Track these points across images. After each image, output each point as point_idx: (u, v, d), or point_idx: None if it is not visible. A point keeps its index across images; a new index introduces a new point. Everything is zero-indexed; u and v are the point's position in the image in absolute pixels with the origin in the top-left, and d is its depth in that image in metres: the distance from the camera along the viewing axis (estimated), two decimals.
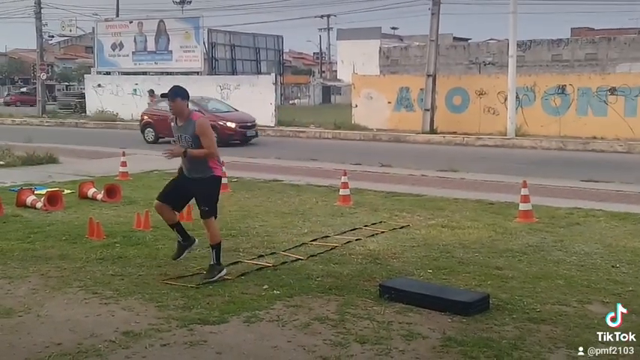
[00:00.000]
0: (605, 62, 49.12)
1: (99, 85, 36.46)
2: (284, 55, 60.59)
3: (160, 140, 21.53)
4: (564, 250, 7.52)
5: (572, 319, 5.27)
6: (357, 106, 27.76)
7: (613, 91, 22.14)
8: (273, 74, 34.49)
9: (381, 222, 9.06)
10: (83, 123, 32.72)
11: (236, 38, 48.24)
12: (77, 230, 8.31)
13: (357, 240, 7.94)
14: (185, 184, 6.55)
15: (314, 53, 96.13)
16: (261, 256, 7.18)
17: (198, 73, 36.64)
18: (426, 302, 5.48)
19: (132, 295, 5.80)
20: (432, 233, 8.37)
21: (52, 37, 63.83)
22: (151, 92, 26.80)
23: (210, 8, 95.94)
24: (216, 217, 6.55)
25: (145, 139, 22.46)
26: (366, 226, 8.79)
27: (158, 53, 37.60)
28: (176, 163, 6.83)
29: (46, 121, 34.19)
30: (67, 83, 70.55)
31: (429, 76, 25.01)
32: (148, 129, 22.84)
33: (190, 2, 66.54)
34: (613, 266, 6.81)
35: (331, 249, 7.49)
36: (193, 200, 6.72)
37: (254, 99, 28.11)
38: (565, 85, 23.15)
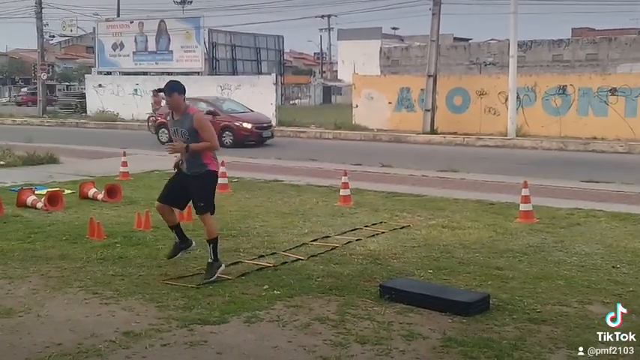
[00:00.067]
0: (606, 62, 49.06)
1: (99, 85, 36.48)
2: (285, 55, 60.60)
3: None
4: (565, 250, 7.52)
5: (572, 319, 5.27)
6: (357, 106, 27.76)
7: (614, 91, 22.14)
8: (273, 74, 34.50)
9: (381, 222, 9.06)
10: (84, 123, 32.72)
11: (237, 38, 48.24)
12: (78, 230, 8.31)
13: (357, 240, 7.94)
14: (183, 180, 6.56)
15: (314, 53, 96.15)
16: (262, 256, 7.18)
17: (198, 73, 36.63)
18: (426, 302, 5.49)
19: (132, 296, 5.80)
20: (433, 233, 8.37)
21: (53, 37, 63.82)
22: (156, 92, 26.73)
23: (211, 8, 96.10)
24: (213, 213, 6.58)
25: (159, 139, 22.43)
26: (366, 226, 8.79)
27: (159, 53, 37.60)
28: None
29: (47, 121, 34.19)
30: (67, 83, 70.56)
31: (429, 76, 25.02)
32: (163, 129, 22.80)
33: (191, 2, 66.48)
34: (613, 267, 6.82)
35: (332, 249, 7.49)
36: None
37: (255, 99, 28.07)
38: (566, 86, 23.15)
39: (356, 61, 48.17)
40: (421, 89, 25.37)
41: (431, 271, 6.67)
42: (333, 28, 78.47)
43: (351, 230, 8.53)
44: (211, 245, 6.42)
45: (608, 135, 21.69)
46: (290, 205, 10.39)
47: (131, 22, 39.10)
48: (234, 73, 44.02)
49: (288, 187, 12.33)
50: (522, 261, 7.04)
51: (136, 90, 34.31)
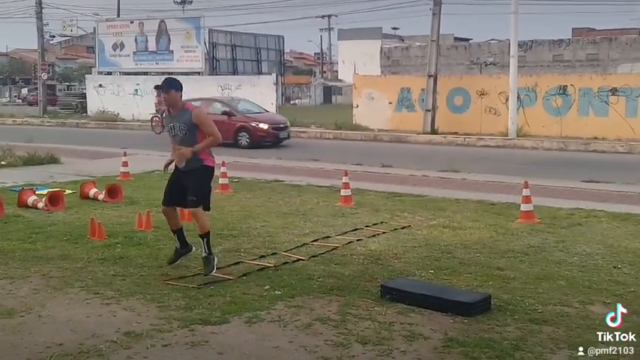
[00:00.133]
0: (607, 63, 49.05)
1: (100, 86, 36.49)
2: (285, 55, 60.52)
3: None
4: (566, 250, 7.52)
5: (573, 319, 5.27)
6: (358, 106, 27.76)
7: (614, 91, 22.13)
8: (274, 74, 34.51)
9: (382, 222, 9.06)
10: (84, 123, 32.73)
11: (237, 38, 48.19)
12: (78, 230, 8.32)
13: (358, 240, 7.94)
14: (181, 178, 6.60)
15: (315, 53, 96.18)
16: (263, 256, 7.18)
17: (199, 73, 36.64)
18: (427, 303, 5.48)
19: (133, 296, 5.80)
20: (434, 234, 8.37)
21: (53, 37, 63.71)
22: (158, 89, 26.72)
23: (212, 8, 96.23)
24: (208, 209, 6.69)
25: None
26: (367, 226, 8.79)
27: (159, 53, 37.60)
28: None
29: (47, 122, 34.20)
30: (68, 83, 70.56)
31: (430, 76, 25.01)
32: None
33: (191, 2, 66.46)
34: (614, 267, 6.81)
35: (332, 249, 7.49)
36: None
37: (255, 99, 28.08)
38: (566, 86, 23.14)
39: (356, 61, 48.11)
40: (422, 89, 25.36)
41: (432, 271, 6.66)
42: (333, 28, 78.60)
43: (352, 230, 8.53)
44: (205, 240, 6.52)
45: (609, 135, 21.68)
46: (291, 206, 10.39)
47: (131, 22, 39.10)
48: (235, 73, 43.99)
49: (289, 188, 12.33)
50: (523, 261, 7.04)
51: (136, 90, 34.33)
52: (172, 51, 37.18)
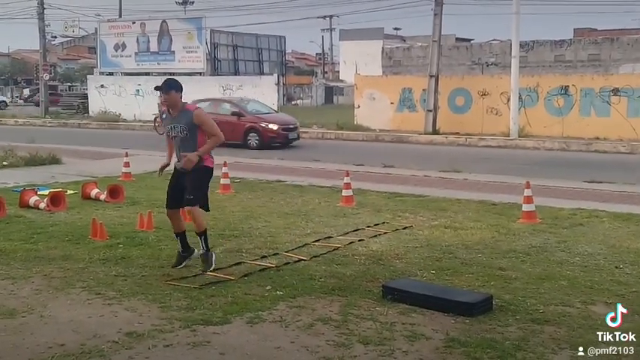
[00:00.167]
0: (608, 63, 48.97)
1: (102, 86, 36.51)
2: (286, 55, 60.53)
3: None
4: (567, 250, 7.51)
5: (575, 320, 5.26)
6: (359, 106, 27.75)
7: (616, 91, 22.12)
8: (275, 75, 34.49)
9: (383, 223, 9.06)
10: (86, 124, 32.75)
11: (238, 39, 48.16)
12: (80, 231, 8.32)
13: (359, 241, 7.94)
14: (181, 180, 6.61)
15: (316, 54, 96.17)
16: (264, 256, 7.18)
17: (200, 73, 36.63)
18: (429, 303, 5.48)
19: (135, 296, 5.81)
20: (435, 234, 8.37)
21: (55, 37, 63.95)
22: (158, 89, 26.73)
23: (213, 9, 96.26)
24: (207, 210, 6.77)
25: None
26: (368, 226, 8.79)
27: (161, 54, 37.61)
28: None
29: (49, 122, 34.24)
30: (69, 84, 70.65)
31: (431, 76, 25.00)
32: None
33: (193, 3, 66.55)
34: (616, 267, 6.81)
35: (334, 250, 7.49)
36: None
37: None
38: (568, 86, 23.13)
39: (358, 62, 48.20)
40: (423, 89, 25.35)
41: (433, 271, 6.66)
42: (334, 29, 78.57)
43: (354, 231, 8.53)
44: (202, 237, 6.58)
45: (611, 135, 21.67)
46: (292, 206, 10.39)
47: (133, 23, 39.11)
48: (236, 73, 43.97)
49: (291, 188, 12.33)
50: (525, 261, 7.04)
51: (138, 90, 34.34)
52: (174, 51, 37.17)
